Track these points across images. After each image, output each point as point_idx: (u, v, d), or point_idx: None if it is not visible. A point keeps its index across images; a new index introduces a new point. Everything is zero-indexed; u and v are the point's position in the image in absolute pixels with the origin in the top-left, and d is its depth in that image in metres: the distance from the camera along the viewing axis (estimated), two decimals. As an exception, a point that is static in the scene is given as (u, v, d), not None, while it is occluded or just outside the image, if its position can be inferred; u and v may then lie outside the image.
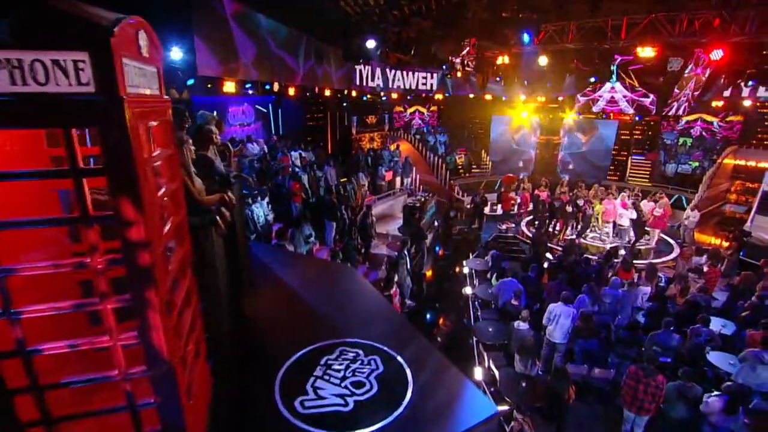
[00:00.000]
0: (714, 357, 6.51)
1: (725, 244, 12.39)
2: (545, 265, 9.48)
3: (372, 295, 3.62)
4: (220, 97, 11.48)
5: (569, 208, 12.83)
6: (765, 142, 17.24)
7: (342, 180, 11.98)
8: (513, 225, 14.30)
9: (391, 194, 14.68)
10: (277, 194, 9.65)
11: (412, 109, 20.69)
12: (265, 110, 14.22)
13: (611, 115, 18.36)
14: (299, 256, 5.66)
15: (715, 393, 4.93)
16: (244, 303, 3.02)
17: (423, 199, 13.02)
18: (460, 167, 18.58)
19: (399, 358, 2.59)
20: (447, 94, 17.68)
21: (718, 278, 9.15)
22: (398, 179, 15.47)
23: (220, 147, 3.21)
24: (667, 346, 6.31)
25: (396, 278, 7.43)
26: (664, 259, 11.97)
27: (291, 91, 11.87)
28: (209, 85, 8.90)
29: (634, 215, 12.17)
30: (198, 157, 2.74)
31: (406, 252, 8.80)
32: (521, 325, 6.80)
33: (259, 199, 8.01)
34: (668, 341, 6.34)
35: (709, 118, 17.95)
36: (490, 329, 7.24)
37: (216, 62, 7.89)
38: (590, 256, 10.50)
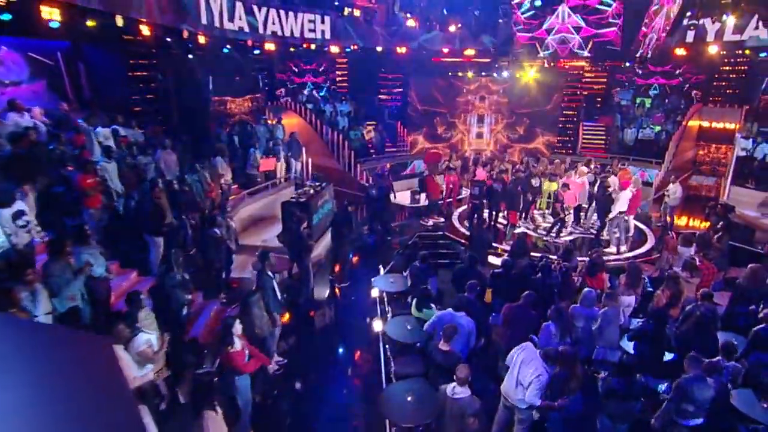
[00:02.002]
0: (738, 399, 5.38)
1: (703, 225, 12.09)
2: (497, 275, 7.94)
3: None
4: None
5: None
6: (729, 92, 17.60)
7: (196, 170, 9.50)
8: (442, 220, 12.92)
9: (270, 186, 12.71)
10: (52, 196, 6.95)
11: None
12: (51, 61, 11.09)
13: (563, 62, 17.88)
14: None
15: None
16: None
17: (312, 191, 10.88)
18: (369, 146, 17.19)
19: None
20: (347, 49, 15.76)
21: (714, 275, 8.17)
22: (280, 165, 13.44)
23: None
24: (701, 401, 4.93)
25: (239, 329, 5.19)
26: (635, 252, 11.16)
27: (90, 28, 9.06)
28: None
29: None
30: None
31: (270, 275, 6.59)
32: (457, 392, 4.90)
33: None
34: (703, 392, 4.97)
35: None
36: (410, 398, 5.25)
37: None
38: (550, 256, 9.18)
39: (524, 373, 5.30)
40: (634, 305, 7.60)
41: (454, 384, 4.99)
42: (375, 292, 8.82)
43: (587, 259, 8.68)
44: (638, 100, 18.75)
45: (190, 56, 13.30)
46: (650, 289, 8.03)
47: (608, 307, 6.66)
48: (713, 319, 6.77)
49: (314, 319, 8.59)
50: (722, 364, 5.48)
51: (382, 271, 9.83)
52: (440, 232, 12.37)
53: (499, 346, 6.67)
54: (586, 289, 7.05)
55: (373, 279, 8.71)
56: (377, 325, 7.44)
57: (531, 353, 5.36)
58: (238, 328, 5.19)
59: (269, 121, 14.84)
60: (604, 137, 18.46)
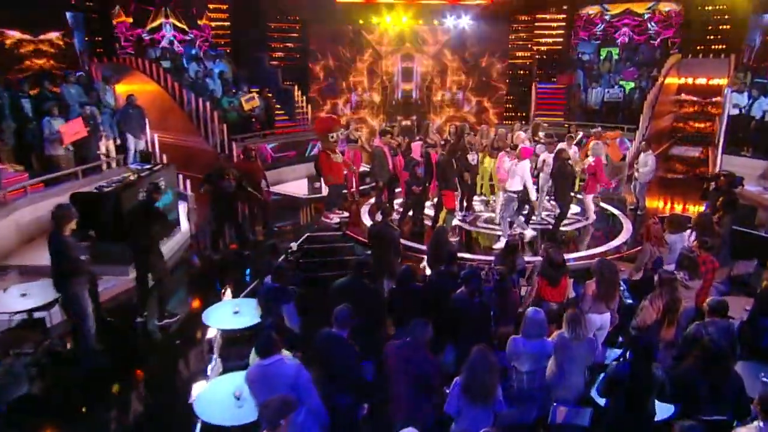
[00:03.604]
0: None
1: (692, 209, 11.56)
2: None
3: None
4: None
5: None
6: (713, 47, 17.51)
7: None
8: (346, 215, 11.53)
9: (81, 174, 10.43)
10: None
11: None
12: None
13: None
14: None
15: None
16: None
17: (133, 177, 8.62)
18: (252, 118, 15.34)
19: None
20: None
21: (715, 272, 6.93)
22: (108, 144, 11.53)
23: None
24: None
25: None
26: (603, 248, 9.99)
27: None
28: None
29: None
30: None
31: None
32: None
33: None
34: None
35: (639, 8, 17.70)
36: None
37: None
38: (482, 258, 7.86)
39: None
40: (609, 328, 6.21)
41: None
42: (212, 332, 6.70)
43: (538, 259, 6.92)
44: (604, 53, 18.26)
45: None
46: (629, 301, 6.72)
47: (570, 334, 5.04)
48: (731, 348, 5.31)
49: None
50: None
51: (228, 295, 7.66)
52: (338, 232, 10.80)
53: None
54: (530, 310, 5.23)
55: (205, 311, 6.48)
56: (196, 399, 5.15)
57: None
58: None
59: (95, 80, 12.61)
60: (563, 101, 17.91)
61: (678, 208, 12.51)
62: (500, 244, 9.32)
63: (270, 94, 16.63)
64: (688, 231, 7.77)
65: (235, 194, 9.58)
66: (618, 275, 6.30)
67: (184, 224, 10.40)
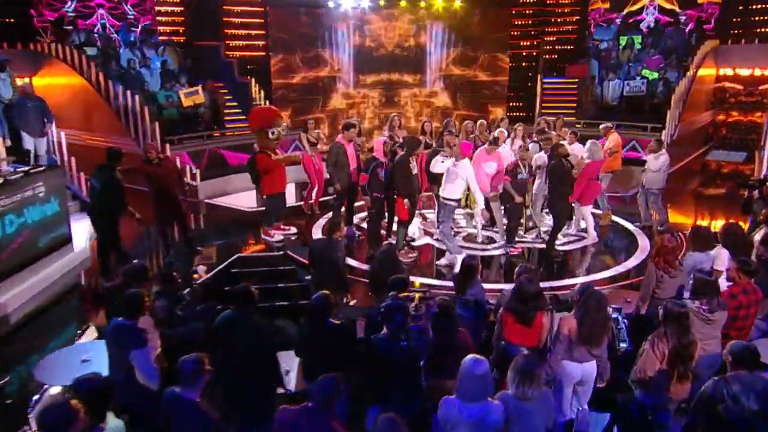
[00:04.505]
0: None
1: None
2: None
3: None
4: None
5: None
6: (758, 30, 17.35)
7: None
8: (293, 231, 10.99)
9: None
10: None
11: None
12: None
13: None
14: None
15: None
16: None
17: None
18: (198, 117, 14.88)
19: None
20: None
21: (759, 304, 6.11)
22: None
23: None
24: None
25: None
26: (607, 273, 9.35)
27: None
28: None
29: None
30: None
31: None
32: None
33: None
34: None
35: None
36: None
37: None
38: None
39: None
40: (601, 383, 5.44)
41: None
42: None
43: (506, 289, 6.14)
44: (624, 40, 17.79)
45: None
46: (624, 345, 5.94)
47: (516, 390, 4.22)
48: (762, 415, 4.27)
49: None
50: None
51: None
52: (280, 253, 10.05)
53: None
54: (468, 359, 4.27)
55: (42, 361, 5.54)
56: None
57: None
58: None
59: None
60: (575, 96, 17.68)
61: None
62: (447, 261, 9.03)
63: (225, 89, 16.23)
64: (719, 248, 6.87)
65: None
66: (606, 308, 5.33)
67: (80, 240, 9.59)
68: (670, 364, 4.95)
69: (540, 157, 9.99)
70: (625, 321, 5.96)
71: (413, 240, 10.25)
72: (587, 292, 5.22)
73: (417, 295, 5.36)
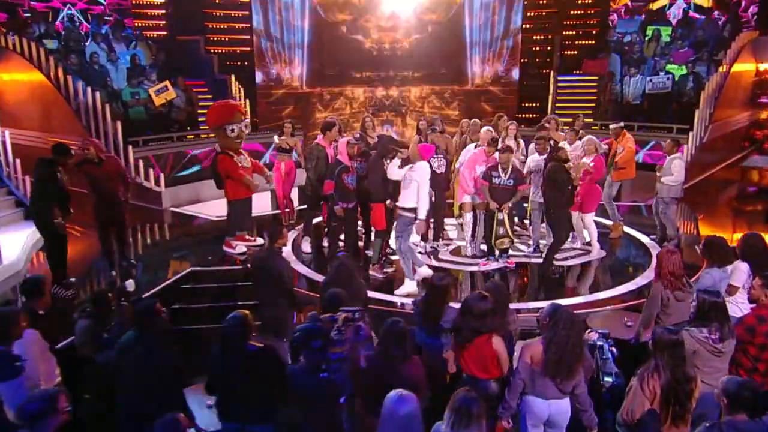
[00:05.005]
0: None
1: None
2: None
3: None
4: None
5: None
6: None
7: None
8: (258, 242, 10.74)
9: None
10: None
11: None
12: None
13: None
14: None
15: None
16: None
17: None
18: (176, 119, 14.81)
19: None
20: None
21: None
22: None
23: None
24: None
25: None
26: (596, 296, 8.95)
27: None
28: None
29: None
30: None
31: None
32: None
33: None
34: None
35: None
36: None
37: None
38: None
39: None
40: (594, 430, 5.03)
41: None
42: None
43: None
44: (649, 32, 17.21)
45: None
46: (609, 379, 5.28)
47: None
48: None
49: None
50: None
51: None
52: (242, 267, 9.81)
53: None
54: (392, 395, 4.01)
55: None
56: None
57: None
58: None
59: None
60: (593, 95, 17.29)
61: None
62: (407, 288, 8.66)
63: (205, 87, 16.15)
64: (739, 264, 6.33)
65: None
66: (581, 333, 4.84)
67: (10, 252, 9.38)
68: (663, 403, 4.52)
69: (533, 160, 9.72)
70: (613, 350, 5.39)
71: (393, 253, 9.80)
72: (557, 312, 4.76)
73: (342, 316, 4.76)
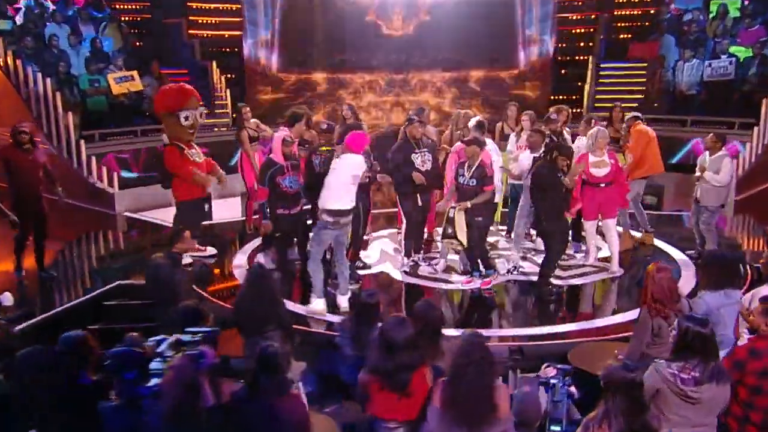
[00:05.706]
0: None
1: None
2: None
3: None
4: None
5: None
6: None
7: None
8: (210, 252, 10.78)
9: None
10: None
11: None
12: None
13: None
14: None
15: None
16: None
17: None
18: (143, 113, 14.81)
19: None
20: None
21: None
22: None
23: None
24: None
25: None
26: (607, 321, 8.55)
27: None
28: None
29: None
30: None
31: None
32: None
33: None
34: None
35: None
36: None
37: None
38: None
39: None
40: None
41: None
42: None
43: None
44: (715, 8, 16.45)
45: None
46: (558, 429, 4.92)
47: None
48: None
49: None
50: None
51: None
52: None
53: None
54: None
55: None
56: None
57: None
58: None
59: None
60: (642, 85, 17.03)
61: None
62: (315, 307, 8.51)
63: (186, 75, 15.90)
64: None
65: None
66: (492, 368, 4.40)
67: None
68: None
69: (525, 158, 9.49)
70: (572, 389, 4.80)
71: (366, 266, 9.59)
72: (466, 339, 4.26)
73: (173, 339, 4.18)
